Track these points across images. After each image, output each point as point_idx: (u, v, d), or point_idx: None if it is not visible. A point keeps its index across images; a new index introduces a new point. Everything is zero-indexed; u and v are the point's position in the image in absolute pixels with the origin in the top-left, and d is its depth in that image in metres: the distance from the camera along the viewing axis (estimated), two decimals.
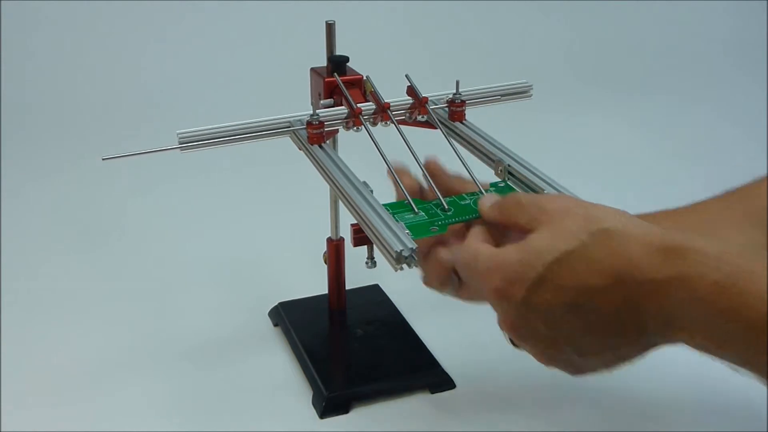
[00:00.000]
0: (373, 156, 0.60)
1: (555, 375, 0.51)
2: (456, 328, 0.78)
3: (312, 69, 0.69)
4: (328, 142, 0.63)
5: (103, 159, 0.61)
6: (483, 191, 0.57)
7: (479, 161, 0.63)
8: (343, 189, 0.57)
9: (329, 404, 0.67)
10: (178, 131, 0.61)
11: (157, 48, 1.40)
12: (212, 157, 0.75)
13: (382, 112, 0.64)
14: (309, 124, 0.62)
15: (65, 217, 1.01)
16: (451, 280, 0.56)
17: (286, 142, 0.64)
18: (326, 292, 0.79)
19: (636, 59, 1.58)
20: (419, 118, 0.66)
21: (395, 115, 0.64)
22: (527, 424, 0.66)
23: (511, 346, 0.53)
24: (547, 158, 0.67)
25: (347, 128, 0.64)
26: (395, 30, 1.53)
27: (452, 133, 0.65)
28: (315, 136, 0.62)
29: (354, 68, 0.67)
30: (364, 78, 0.66)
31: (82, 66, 1.35)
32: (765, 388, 0.46)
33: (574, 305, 0.46)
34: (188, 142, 0.61)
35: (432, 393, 0.70)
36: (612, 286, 0.45)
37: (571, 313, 0.46)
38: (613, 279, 0.45)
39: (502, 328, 0.50)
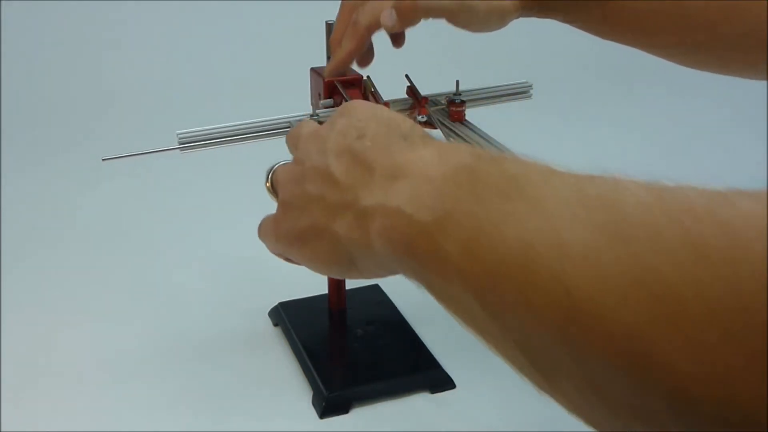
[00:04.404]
0: None
1: None
2: (456, 328, 0.77)
3: (312, 69, 0.69)
4: None
5: (103, 160, 0.61)
6: None
7: None
8: None
9: (329, 404, 0.67)
10: (177, 131, 0.61)
11: (157, 48, 1.40)
12: (212, 156, 0.75)
13: None
14: None
15: (64, 218, 1.01)
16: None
17: None
18: (326, 292, 0.79)
19: (637, 59, 1.57)
20: (419, 118, 0.66)
21: None
22: (527, 424, 0.66)
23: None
24: (547, 158, 0.67)
25: None
26: None
27: (452, 133, 0.65)
28: None
29: (354, 68, 0.67)
30: (365, 78, 0.66)
31: (81, 65, 1.35)
32: None
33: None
34: (188, 143, 0.61)
35: (432, 393, 0.70)
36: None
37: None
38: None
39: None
